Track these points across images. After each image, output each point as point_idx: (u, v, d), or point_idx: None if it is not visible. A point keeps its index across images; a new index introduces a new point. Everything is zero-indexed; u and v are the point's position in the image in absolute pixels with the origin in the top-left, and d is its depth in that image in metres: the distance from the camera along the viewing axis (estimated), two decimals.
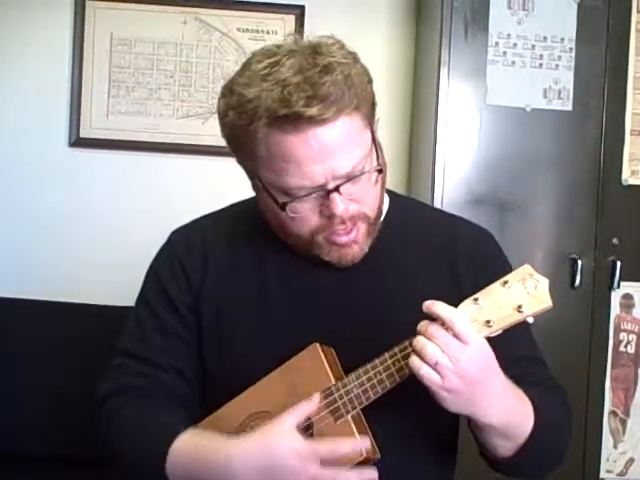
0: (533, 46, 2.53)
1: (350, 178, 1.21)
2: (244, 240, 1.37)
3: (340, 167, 1.19)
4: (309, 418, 1.22)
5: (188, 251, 1.37)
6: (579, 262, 2.52)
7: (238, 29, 2.90)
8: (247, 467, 1.16)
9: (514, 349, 1.30)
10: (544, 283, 1.16)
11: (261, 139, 1.20)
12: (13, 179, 2.90)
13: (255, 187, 1.30)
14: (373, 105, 1.27)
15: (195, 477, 1.21)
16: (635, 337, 2.58)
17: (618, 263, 2.53)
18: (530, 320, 1.18)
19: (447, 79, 2.52)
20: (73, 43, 2.88)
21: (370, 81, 1.26)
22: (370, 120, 1.25)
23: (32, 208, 2.90)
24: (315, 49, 1.21)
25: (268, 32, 2.87)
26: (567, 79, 2.53)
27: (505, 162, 2.54)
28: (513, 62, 2.53)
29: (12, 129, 2.90)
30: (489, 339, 1.17)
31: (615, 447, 2.57)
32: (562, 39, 2.53)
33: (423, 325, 1.15)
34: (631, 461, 2.58)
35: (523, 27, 2.52)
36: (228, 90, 1.24)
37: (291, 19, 2.91)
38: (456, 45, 2.51)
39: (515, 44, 2.53)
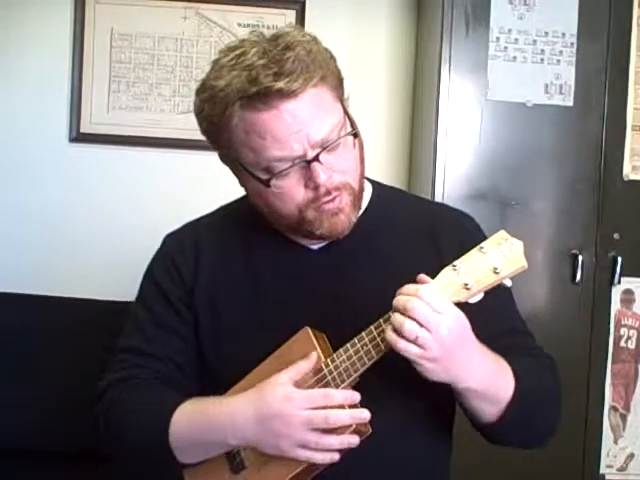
0: (534, 41, 2.52)
1: (326, 146, 1.26)
2: (234, 236, 1.42)
3: (315, 134, 1.25)
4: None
5: (180, 251, 1.43)
6: (580, 257, 2.52)
7: (239, 24, 2.90)
8: (245, 418, 1.23)
9: (501, 322, 1.35)
10: (519, 245, 1.19)
11: (237, 123, 1.27)
12: (13, 174, 2.90)
13: (240, 179, 1.36)
14: (340, 80, 1.34)
15: (200, 436, 1.27)
16: (636, 332, 2.58)
17: (619, 259, 2.53)
18: (508, 283, 1.20)
19: (448, 74, 2.51)
20: (73, 38, 2.87)
21: (333, 58, 1.33)
22: (339, 94, 1.32)
23: (32, 203, 2.89)
24: (276, 35, 1.28)
25: (269, 27, 2.87)
26: (568, 74, 2.53)
27: (506, 157, 2.54)
28: (514, 57, 2.52)
29: (12, 124, 2.90)
30: (478, 312, 1.20)
31: (615, 442, 2.57)
32: (563, 34, 2.53)
33: (399, 301, 1.18)
34: (631, 456, 2.58)
35: (524, 22, 2.52)
36: (201, 87, 1.31)
37: (292, 14, 2.90)
38: (457, 40, 2.51)
39: (516, 39, 2.52)
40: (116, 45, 2.88)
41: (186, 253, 1.41)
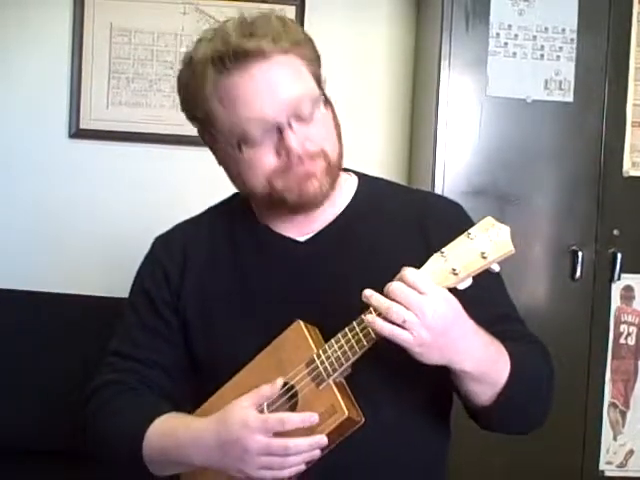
0: (534, 37, 2.52)
1: (299, 115, 1.27)
2: (222, 235, 1.43)
3: (287, 95, 1.27)
4: (288, 384, 1.25)
5: (167, 252, 1.44)
6: (579, 254, 2.52)
7: None
8: (208, 443, 1.24)
9: (493, 309, 1.35)
10: (506, 230, 1.19)
11: (211, 91, 1.29)
12: (13, 170, 2.90)
13: (217, 155, 1.39)
14: (316, 56, 1.36)
15: (169, 457, 1.29)
16: (635, 329, 2.57)
17: (619, 255, 2.53)
18: (496, 268, 1.20)
19: (448, 70, 2.51)
20: (73, 34, 2.87)
21: (312, 41, 1.36)
22: (314, 70, 1.34)
23: (32, 199, 2.90)
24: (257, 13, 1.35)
25: None
26: (568, 70, 2.53)
27: (505, 154, 2.53)
28: (514, 53, 2.52)
29: (12, 120, 2.90)
30: (470, 299, 1.21)
31: (615, 439, 2.57)
32: (563, 30, 2.52)
33: (385, 287, 1.18)
34: (631, 453, 2.58)
35: (524, 18, 2.51)
36: (182, 60, 1.36)
37: (291, 10, 2.89)
38: (457, 36, 2.50)
39: (516, 35, 2.52)
40: (115, 41, 2.88)
41: (174, 255, 1.42)
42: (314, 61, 1.34)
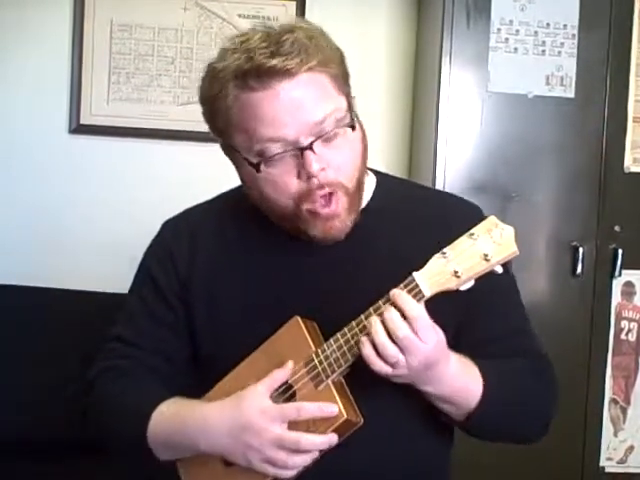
0: (535, 32, 2.52)
1: (321, 135, 1.23)
2: (232, 225, 1.40)
3: (310, 117, 1.22)
4: (286, 383, 1.25)
5: (176, 240, 1.41)
6: (580, 250, 2.52)
7: (239, 15, 2.89)
8: (218, 427, 1.23)
9: (503, 323, 1.34)
10: (509, 231, 1.16)
11: (231, 103, 1.25)
12: (13, 166, 2.90)
13: (237, 168, 1.34)
14: (344, 72, 1.31)
15: (174, 440, 1.28)
16: (636, 325, 2.58)
17: (619, 251, 2.53)
18: (499, 270, 1.17)
19: (449, 66, 2.51)
20: (73, 29, 2.86)
21: (340, 52, 1.31)
22: (341, 86, 1.29)
23: (32, 194, 2.89)
24: (282, 25, 1.27)
25: (269, 18, 2.86)
26: (570, 66, 2.52)
27: (507, 149, 2.53)
28: (515, 49, 2.52)
29: (12, 115, 2.90)
30: (481, 310, 1.21)
31: (615, 435, 2.58)
32: (565, 25, 2.52)
33: (391, 315, 1.16)
34: (631, 449, 2.58)
35: (525, 13, 2.51)
36: (204, 70, 1.31)
37: (292, 5, 2.89)
38: (458, 32, 2.50)
39: (517, 30, 2.52)
40: (116, 36, 2.88)
41: (182, 242, 1.40)
42: (343, 78, 1.29)
